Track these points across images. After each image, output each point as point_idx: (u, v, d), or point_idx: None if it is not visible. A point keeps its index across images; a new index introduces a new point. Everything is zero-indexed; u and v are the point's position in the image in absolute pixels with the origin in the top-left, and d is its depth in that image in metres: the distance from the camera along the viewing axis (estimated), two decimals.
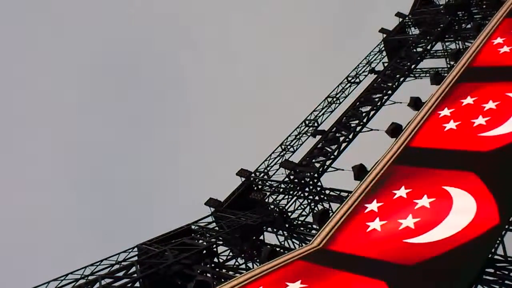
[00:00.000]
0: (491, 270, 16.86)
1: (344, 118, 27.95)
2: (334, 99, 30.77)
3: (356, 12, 59.14)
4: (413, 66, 30.40)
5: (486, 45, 22.96)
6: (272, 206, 24.81)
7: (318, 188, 25.07)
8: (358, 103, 28.56)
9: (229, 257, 22.86)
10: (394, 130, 23.03)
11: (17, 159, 49.56)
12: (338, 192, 24.56)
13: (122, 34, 56.78)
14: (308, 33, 57.96)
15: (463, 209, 15.24)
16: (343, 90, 31.22)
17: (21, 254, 42.20)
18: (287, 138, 29.05)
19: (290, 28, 58.29)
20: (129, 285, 19.20)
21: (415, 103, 24.51)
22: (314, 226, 23.29)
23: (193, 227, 24.21)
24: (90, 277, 19.62)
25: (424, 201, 16.28)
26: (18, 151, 50.01)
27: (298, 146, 28.65)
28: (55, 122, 52.75)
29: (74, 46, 55.29)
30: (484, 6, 31.78)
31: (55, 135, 51.83)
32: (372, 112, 27.70)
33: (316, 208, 24.57)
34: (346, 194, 23.19)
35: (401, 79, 29.53)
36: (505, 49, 22.20)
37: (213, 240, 22.47)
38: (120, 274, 19.92)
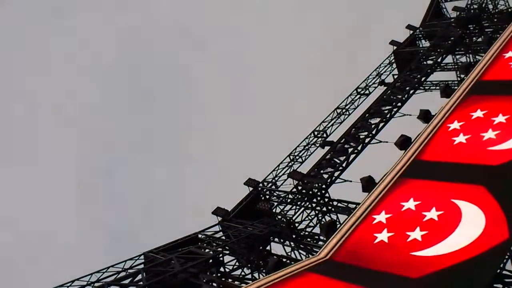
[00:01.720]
0: (500, 286, 16.67)
1: (353, 129, 27.90)
2: (344, 110, 30.79)
3: (366, 23, 59.14)
4: (423, 79, 30.34)
5: (497, 58, 22.90)
6: (279, 217, 24.72)
7: (326, 199, 24.96)
8: (367, 115, 28.51)
9: (235, 266, 22.79)
10: (403, 142, 22.95)
11: (16, 159, 49.86)
12: (346, 204, 24.42)
13: (122, 34, 57.10)
14: (316, 44, 58.00)
15: (472, 223, 15.14)
16: (353, 101, 31.24)
17: (21, 255, 42.36)
18: (295, 148, 29.06)
19: (294, 37, 58.40)
20: None
21: (425, 116, 24.41)
22: (321, 237, 23.16)
23: (200, 236, 24.21)
24: (96, 284, 19.67)
25: (433, 214, 16.22)
26: (18, 152, 50.31)
27: (307, 156, 28.63)
28: (55, 122, 53.13)
29: (75, 47, 55.66)
30: (495, 20, 31.74)
31: (55, 135, 52.13)
32: (381, 124, 27.65)
33: (323, 219, 24.45)
34: (354, 205, 23.06)
35: (411, 92, 29.47)
36: None
37: (219, 249, 22.45)
38: (126, 281, 19.97)
